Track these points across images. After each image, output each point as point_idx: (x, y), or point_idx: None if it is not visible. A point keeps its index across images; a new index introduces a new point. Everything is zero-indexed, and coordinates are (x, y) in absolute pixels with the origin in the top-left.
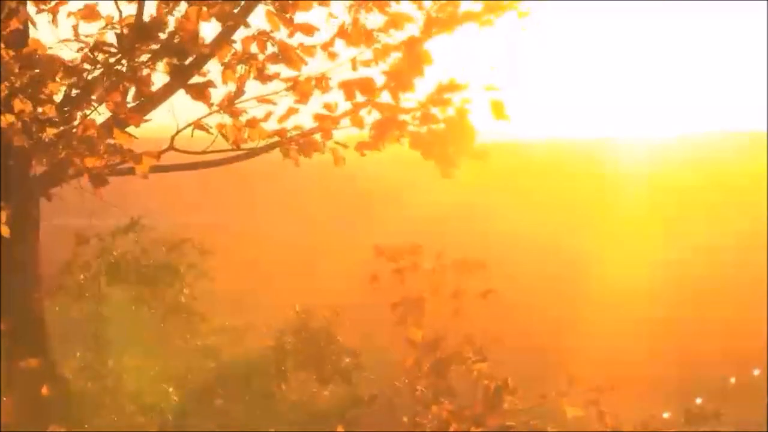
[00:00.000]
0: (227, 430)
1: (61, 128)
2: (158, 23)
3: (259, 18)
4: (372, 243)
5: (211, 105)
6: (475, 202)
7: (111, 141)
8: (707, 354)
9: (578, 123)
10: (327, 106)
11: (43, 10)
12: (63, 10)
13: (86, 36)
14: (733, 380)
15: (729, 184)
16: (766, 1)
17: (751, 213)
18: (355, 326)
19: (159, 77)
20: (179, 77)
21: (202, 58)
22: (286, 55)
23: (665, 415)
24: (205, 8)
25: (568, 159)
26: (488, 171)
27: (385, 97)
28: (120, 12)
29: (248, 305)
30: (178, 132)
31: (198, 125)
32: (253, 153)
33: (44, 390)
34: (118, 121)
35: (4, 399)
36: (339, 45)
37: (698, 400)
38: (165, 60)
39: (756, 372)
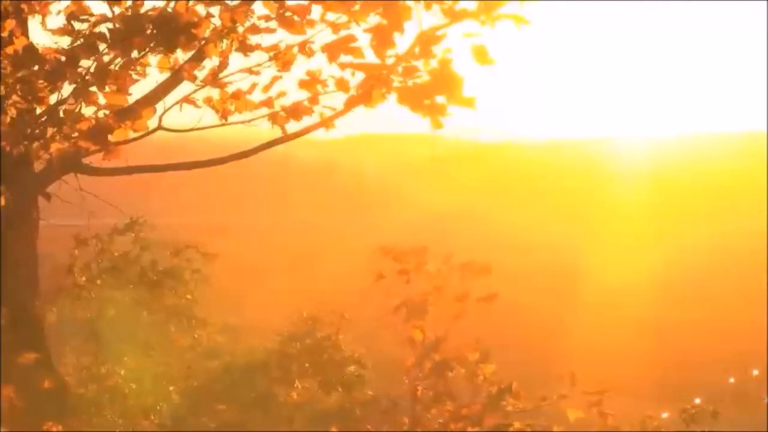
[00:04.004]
0: (227, 430)
1: (49, 105)
2: (150, 17)
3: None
4: (371, 243)
5: (195, 79)
6: (475, 202)
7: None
8: (706, 354)
9: (578, 123)
10: (310, 73)
11: (33, 11)
12: (53, 9)
13: (78, 33)
14: (732, 380)
15: (728, 184)
16: (766, 1)
17: (750, 213)
18: (355, 326)
19: (155, 77)
20: (176, 75)
21: (199, 54)
22: (285, 20)
23: (664, 416)
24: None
25: (568, 159)
26: (488, 171)
27: (368, 57)
28: (113, 12)
29: (248, 305)
30: (166, 110)
31: (186, 100)
32: (249, 152)
33: (42, 384)
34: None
35: (3, 394)
36: (317, 12)
37: (697, 400)
38: (161, 55)
39: (755, 372)
